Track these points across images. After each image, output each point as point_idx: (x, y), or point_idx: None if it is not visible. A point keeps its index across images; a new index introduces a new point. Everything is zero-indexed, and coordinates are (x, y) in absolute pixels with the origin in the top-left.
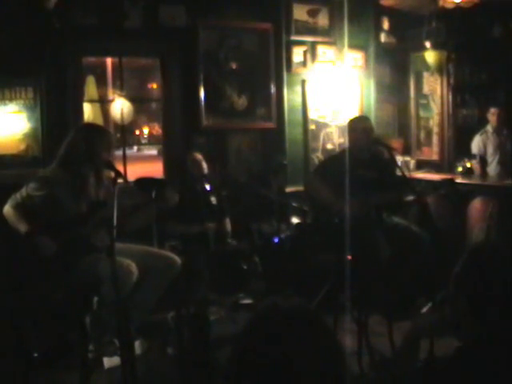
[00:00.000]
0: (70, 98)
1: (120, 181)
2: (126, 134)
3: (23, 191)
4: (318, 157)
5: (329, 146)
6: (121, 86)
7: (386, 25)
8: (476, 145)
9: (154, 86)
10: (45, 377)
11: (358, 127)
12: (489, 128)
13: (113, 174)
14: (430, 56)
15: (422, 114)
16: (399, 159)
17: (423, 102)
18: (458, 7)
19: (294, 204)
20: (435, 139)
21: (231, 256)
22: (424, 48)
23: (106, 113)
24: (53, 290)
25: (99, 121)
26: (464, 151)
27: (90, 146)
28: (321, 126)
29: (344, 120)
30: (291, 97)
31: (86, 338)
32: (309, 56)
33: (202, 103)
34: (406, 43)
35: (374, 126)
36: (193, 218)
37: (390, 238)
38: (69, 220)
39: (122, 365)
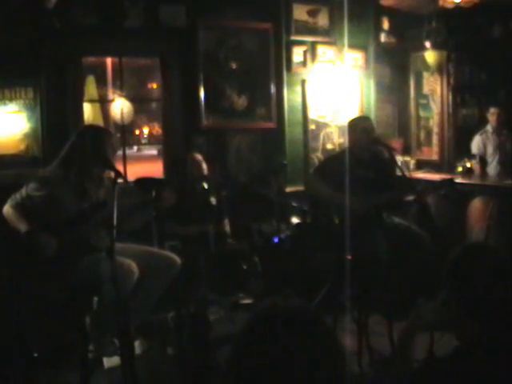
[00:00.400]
0: (70, 97)
1: (120, 181)
2: (126, 133)
3: (23, 191)
4: (317, 157)
5: (329, 146)
6: (121, 86)
7: (386, 25)
8: (476, 145)
9: (154, 85)
10: (45, 377)
11: (359, 127)
12: (488, 128)
13: (113, 174)
14: (430, 56)
15: (422, 113)
16: (399, 159)
17: (423, 102)
18: (457, 7)
19: (294, 204)
20: (435, 139)
21: (231, 256)
22: (424, 48)
23: (106, 113)
24: (53, 290)
25: (99, 121)
26: (464, 151)
27: (95, 147)
28: (321, 126)
29: (344, 120)
30: (291, 97)
31: (86, 338)
32: (309, 56)
33: (202, 103)
34: (406, 43)
35: (375, 126)
36: (192, 218)
37: (390, 238)
38: (69, 220)
39: (122, 365)
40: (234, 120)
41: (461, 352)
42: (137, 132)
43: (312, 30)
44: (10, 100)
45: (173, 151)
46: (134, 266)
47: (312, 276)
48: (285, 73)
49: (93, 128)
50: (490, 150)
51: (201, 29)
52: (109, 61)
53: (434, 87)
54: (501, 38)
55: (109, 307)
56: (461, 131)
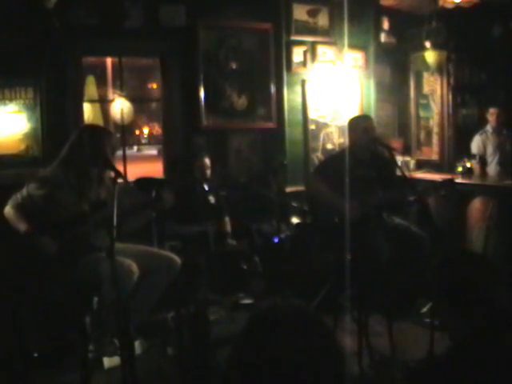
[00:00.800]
0: (70, 98)
1: (120, 181)
2: (126, 133)
3: (24, 191)
4: (317, 157)
5: (329, 146)
6: (121, 86)
7: (386, 25)
8: (475, 145)
9: (154, 85)
10: (45, 377)
11: (360, 126)
12: (488, 128)
13: (113, 174)
14: (430, 56)
15: (422, 113)
16: (399, 159)
17: (423, 101)
18: (457, 7)
19: (294, 204)
20: (435, 139)
21: (231, 256)
22: (424, 48)
23: (106, 113)
24: (53, 290)
25: (99, 121)
26: (464, 151)
27: (94, 147)
28: (321, 125)
29: (344, 120)
30: (291, 97)
31: (86, 338)
32: (309, 56)
33: (202, 103)
34: (406, 43)
35: (375, 126)
36: (192, 218)
37: (390, 238)
38: (69, 220)
39: (122, 365)
40: (234, 120)
41: (453, 351)
42: (137, 132)
43: (312, 30)
44: (10, 100)
45: (173, 151)
46: (134, 266)
47: (312, 276)
48: (285, 73)
49: (91, 127)
50: (489, 150)
51: (201, 29)
52: (109, 61)
53: (434, 87)
54: (501, 38)
55: (109, 307)
56: (461, 131)
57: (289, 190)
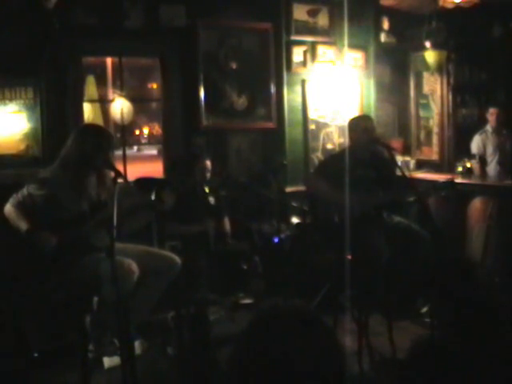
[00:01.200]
0: (69, 97)
1: (120, 181)
2: (126, 133)
3: (24, 190)
4: (317, 157)
5: (329, 146)
6: (121, 86)
7: (386, 25)
8: (475, 145)
9: (154, 85)
10: (45, 377)
11: (360, 126)
12: (488, 128)
13: (113, 174)
14: (430, 56)
15: (422, 113)
16: (399, 159)
17: (423, 101)
18: (457, 7)
19: (294, 204)
20: (435, 139)
21: (231, 256)
22: (424, 48)
23: (106, 113)
24: (53, 290)
25: (99, 121)
26: (464, 151)
27: (92, 147)
28: (321, 125)
29: (344, 120)
30: (291, 97)
31: (86, 338)
32: (309, 56)
33: (202, 103)
34: (406, 43)
35: (375, 126)
36: (193, 218)
37: (391, 238)
38: (69, 220)
39: (122, 365)
40: (234, 120)
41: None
42: (137, 132)
43: (312, 30)
44: (10, 100)
45: (173, 151)
46: (134, 265)
47: (312, 276)
48: (285, 73)
49: (91, 127)
50: (489, 149)
51: (201, 29)
52: (109, 61)
53: (434, 87)
54: (501, 38)
55: (109, 307)
56: (461, 131)
57: (289, 189)
